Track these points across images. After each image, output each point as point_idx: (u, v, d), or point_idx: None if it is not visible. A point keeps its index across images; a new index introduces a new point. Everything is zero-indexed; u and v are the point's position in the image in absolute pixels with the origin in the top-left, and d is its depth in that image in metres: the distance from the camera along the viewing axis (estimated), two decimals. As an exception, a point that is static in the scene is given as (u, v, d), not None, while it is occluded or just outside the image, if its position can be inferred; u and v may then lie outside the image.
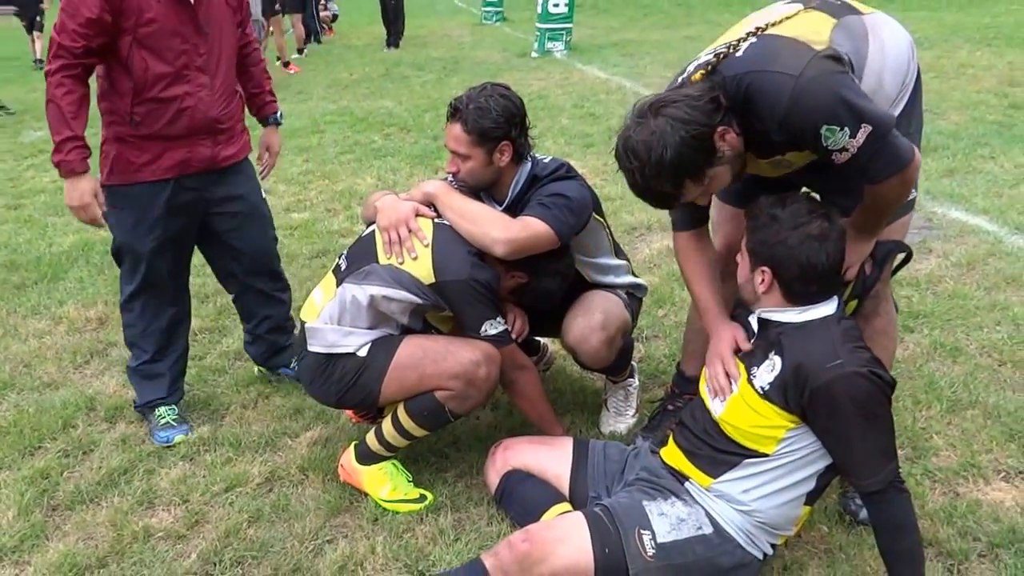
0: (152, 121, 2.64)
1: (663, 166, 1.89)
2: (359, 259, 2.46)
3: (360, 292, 2.40)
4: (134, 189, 2.71)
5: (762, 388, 1.96)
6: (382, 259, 2.40)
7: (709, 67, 1.95)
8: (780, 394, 1.93)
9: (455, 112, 2.45)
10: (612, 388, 2.94)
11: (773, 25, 1.99)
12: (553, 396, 3.06)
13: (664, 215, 4.87)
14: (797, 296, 1.99)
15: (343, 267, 2.49)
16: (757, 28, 1.99)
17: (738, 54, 1.94)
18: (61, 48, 2.49)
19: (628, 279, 2.83)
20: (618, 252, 2.85)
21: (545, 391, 2.67)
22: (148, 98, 2.61)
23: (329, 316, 2.45)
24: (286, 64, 12.03)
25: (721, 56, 1.95)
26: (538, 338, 3.22)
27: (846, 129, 1.83)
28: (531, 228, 2.39)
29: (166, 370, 3.01)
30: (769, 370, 1.96)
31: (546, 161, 2.61)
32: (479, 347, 2.37)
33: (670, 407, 2.74)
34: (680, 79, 2.07)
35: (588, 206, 2.54)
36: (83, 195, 2.57)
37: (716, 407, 2.09)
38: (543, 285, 2.50)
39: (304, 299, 2.73)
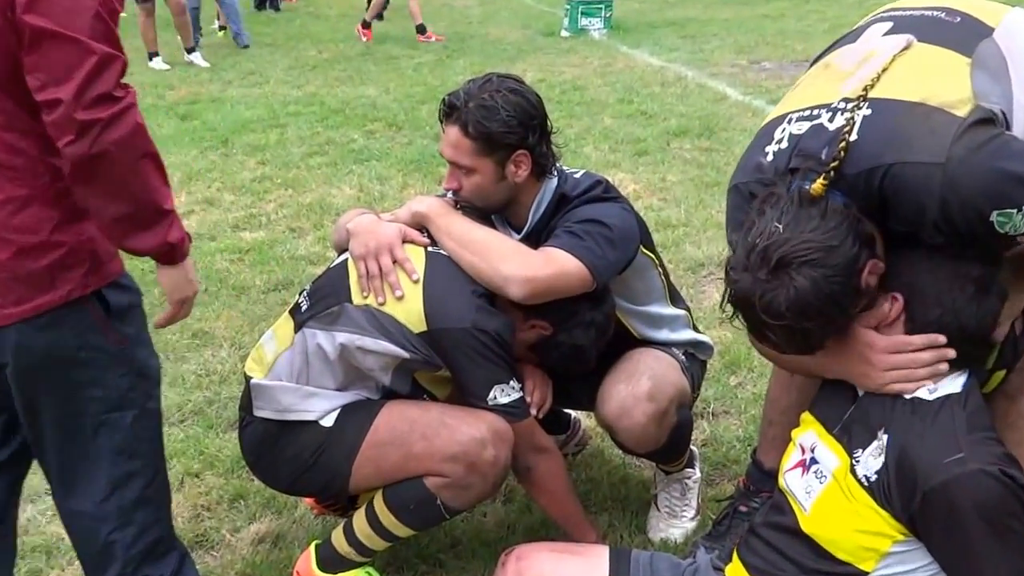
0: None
1: (809, 332, 1.95)
2: (326, 297, 2.48)
3: (327, 340, 2.41)
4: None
5: (867, 478, 1.95)
6: (356, 298, 2.42)
7: (831, 171, 1.94)
8: (884, 491, 1.92)
9: (451, 111, 2.48)
10: (664, 481, 2.93)
11: (879, 78, 1.98)
12: (585, 489, 3.05)
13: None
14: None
15: (304, 307, 2.51)
16: (865, 88, 1.98)
17: (853, 137, 1.94)
18: (119, 63, 1.89)
19: (688, 335, 2.84)
20: (675, 299, 2.86)
21: (574, 482, 2.69)
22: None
23: (284, 371, 2.46)
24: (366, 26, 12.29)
25: (842, 152, 1.94)
26: (566, 411, 3.22)
27: None
28: (557, 264, 2.41)
29: None
30: (877, 454, 1.95)
31: (577, 176, 2.64)
32: (485, 420, 2.38)
33: (742, 508, 2.74)
34: (768, 156, 2.06)
35: (634, 237, 2.57)
36: (196, 279, 2.21)
37: (804, 501, 2.07)
38: (573, 340, 2.51)
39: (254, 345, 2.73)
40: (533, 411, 2.54)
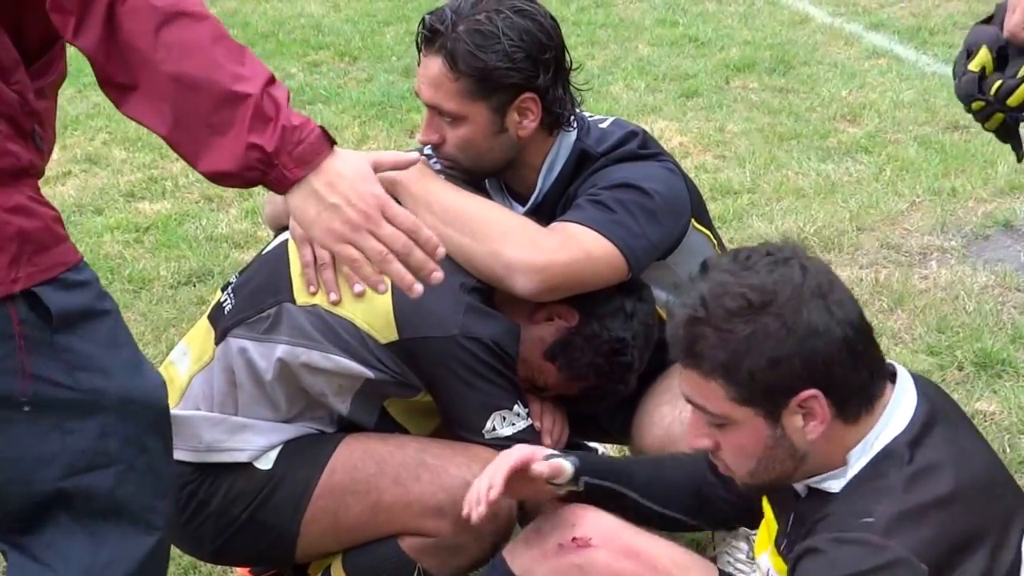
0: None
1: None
2: (258, 294, 2.50)
3: (261, 355, 2.43)
4: None
5: None
6: (301, 296, 2.45)
7: None
8: None
9: (432, 36, 2.48)
10: (725, 538, 2.94)
11: None
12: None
13: (826, 215, 4.86)
14: (860, 403, 2.00)
15: (228, 307, 2.53)
16: None
17: None
18: None
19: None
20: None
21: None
22: None
23: (203, 396, 2.48)
24: None
25: None
26: (590, 444, 3.22)
27: None
28: (579, 245, 2.43)
29: None
30: None
31: (604, 127, 2.66)
32: (480, 459, 2.38)
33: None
34: None
35: (683, 207, 2.59)
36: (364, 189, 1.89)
37: None
38: (610, 331, 2.53)
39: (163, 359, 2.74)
40: (549, 445, 2.53)
